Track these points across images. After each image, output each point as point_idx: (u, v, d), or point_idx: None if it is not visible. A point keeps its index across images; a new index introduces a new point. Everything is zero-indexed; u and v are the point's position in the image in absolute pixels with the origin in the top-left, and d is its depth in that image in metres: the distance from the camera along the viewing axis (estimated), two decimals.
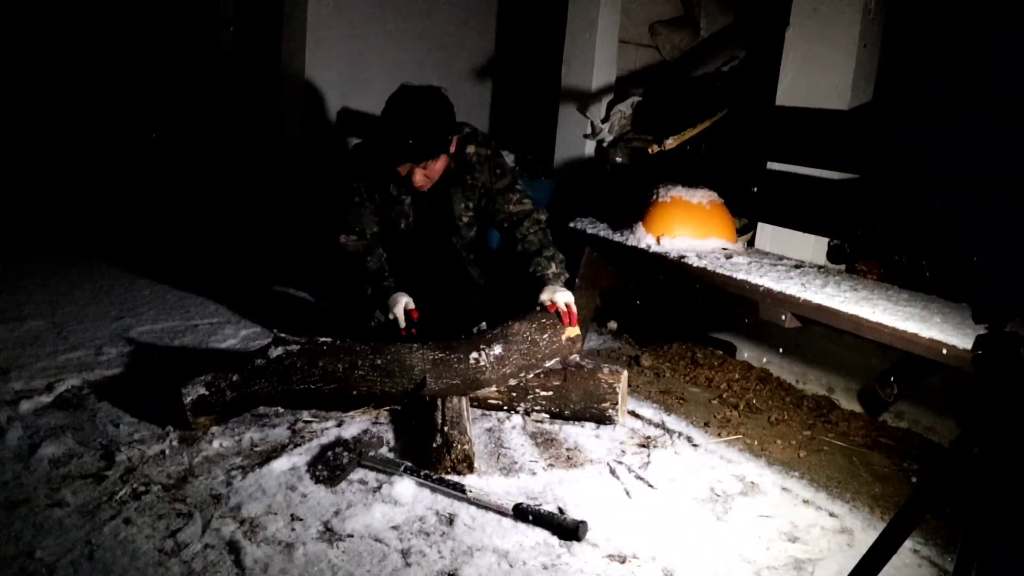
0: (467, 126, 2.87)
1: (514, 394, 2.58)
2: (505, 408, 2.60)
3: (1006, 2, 2.59)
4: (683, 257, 2.78)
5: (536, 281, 2.72)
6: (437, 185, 2.80)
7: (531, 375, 2.57)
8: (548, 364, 2.60)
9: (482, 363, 2.47)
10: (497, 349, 2.50)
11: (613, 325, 3.71)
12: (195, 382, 2.35)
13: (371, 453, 2.25)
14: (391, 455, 2.30)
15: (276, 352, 2.45)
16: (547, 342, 2.57)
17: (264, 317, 3.40)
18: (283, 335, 2.52)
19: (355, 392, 2.46)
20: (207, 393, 2.34)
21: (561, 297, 2.65)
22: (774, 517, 2.13)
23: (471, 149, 2.82)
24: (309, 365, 2.44)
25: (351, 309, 2.98)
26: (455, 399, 2.43)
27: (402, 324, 2.68)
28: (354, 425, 2.46)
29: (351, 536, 1.88)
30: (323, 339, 2.52)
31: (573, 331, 2.65)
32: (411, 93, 2.70)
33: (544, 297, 2.65)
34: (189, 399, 2.32)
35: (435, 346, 2.50)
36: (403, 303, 2.70)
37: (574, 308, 2.65)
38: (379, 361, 2.46)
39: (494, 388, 2.55)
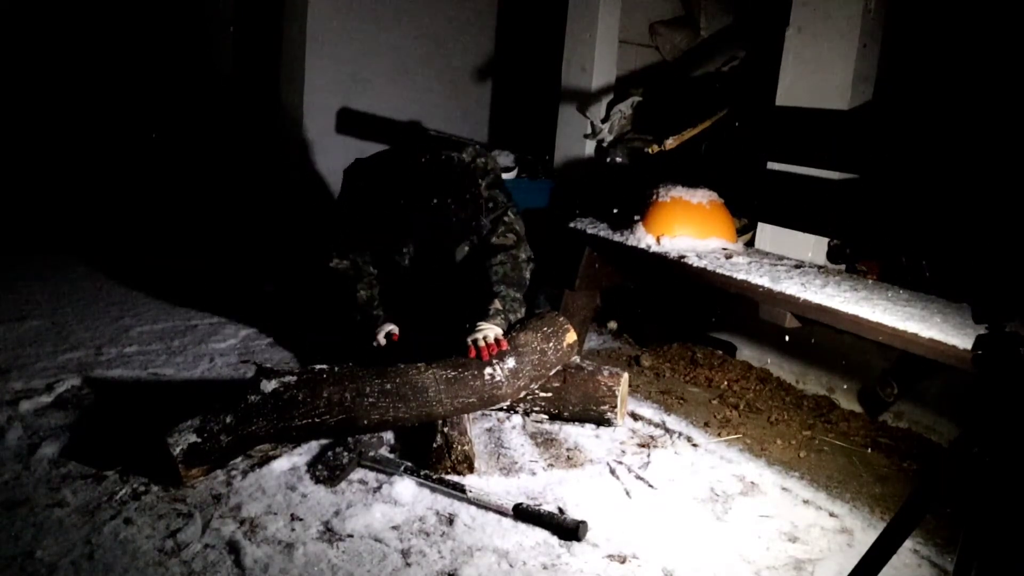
0: (474, 144, 2.77)
1: None
2: (505, 408, 2.60)
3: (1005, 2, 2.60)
4: (683, 257, 2.77)
5: (477, 314, 2.57)
6: None
7: (536, 385, 2.54)
8: (553, 372, 2.59)
9: (498, 378, 2.39)
10: (511, 362, 2.43)
11: (613, 325, 3.71)
12: (182, 428, 2.05)
13: (371, 453, 2.25)
14: (391, 455, 2.30)
15: (271, 386, 2.22)
16: (553, 350, 2.56)
17: (263, 317, 3.40)
18: (267, 366, 2.30)
19: (365, 422, 2.28)
20: (199, 440, 2.05)
21: (482, 333, 2.47)
22: (774, 517, 2.13)
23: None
24: (312, 397, 2.23)
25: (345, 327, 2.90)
26: None
27: (382, 344, 2.64)
28: None
29: (351, 536, 1.88)
30: (320, 366, 2.33)
31: (571, 336, 2.63)
32: (456, 174, 2.55)
33: (468, 338, 2.46)
34: (179, 449, 2.01)
35: (446, 364, 2.38)
36: (386, 330, 2.67)
37: (496, 343, 2.44)
38: (388, 386, 2.29)
39: (508, 403, 2.50)
